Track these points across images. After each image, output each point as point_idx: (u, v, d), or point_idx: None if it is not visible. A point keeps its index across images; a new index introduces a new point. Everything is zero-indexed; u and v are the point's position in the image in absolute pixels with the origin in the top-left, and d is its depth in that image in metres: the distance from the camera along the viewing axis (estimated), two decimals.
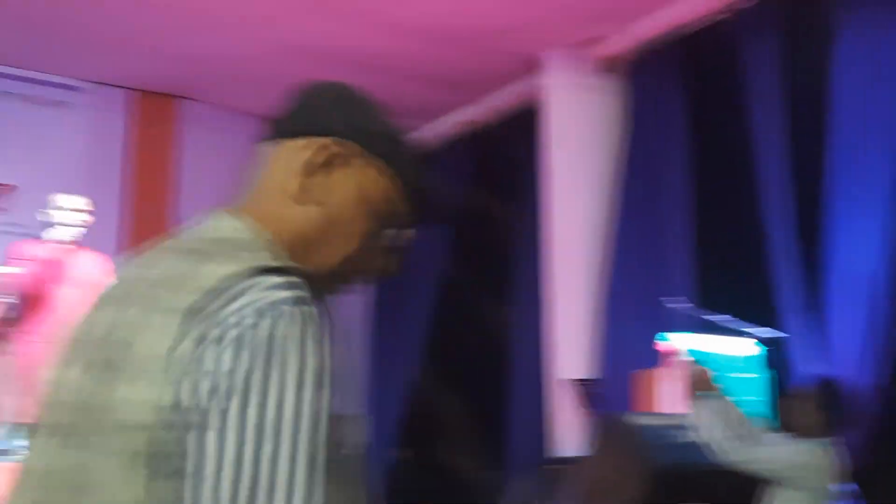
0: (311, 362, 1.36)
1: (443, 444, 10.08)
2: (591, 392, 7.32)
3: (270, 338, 1.35)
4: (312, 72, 8.23)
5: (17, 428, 5.86)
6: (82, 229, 5.61)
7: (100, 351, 1.47)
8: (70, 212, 5.58)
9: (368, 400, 10.40)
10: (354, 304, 10.47)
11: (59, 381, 1.53)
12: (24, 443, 5.86)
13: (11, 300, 5.32)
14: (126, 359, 1.41)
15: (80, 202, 5.66)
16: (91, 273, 5.66)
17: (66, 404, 1.48)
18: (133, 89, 9.52)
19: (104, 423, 1.40)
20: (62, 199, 5.65)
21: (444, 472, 9.77)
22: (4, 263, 5.53)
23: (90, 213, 5.63)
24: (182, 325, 1.38)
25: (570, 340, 7.78)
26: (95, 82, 9.36)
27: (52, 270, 5.47)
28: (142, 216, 9.35)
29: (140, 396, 1.37)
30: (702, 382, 4.83)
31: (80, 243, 5.68)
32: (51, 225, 5.58)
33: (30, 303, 5.55)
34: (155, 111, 9.60)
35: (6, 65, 8.92)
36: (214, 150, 9.81)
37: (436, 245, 9.55)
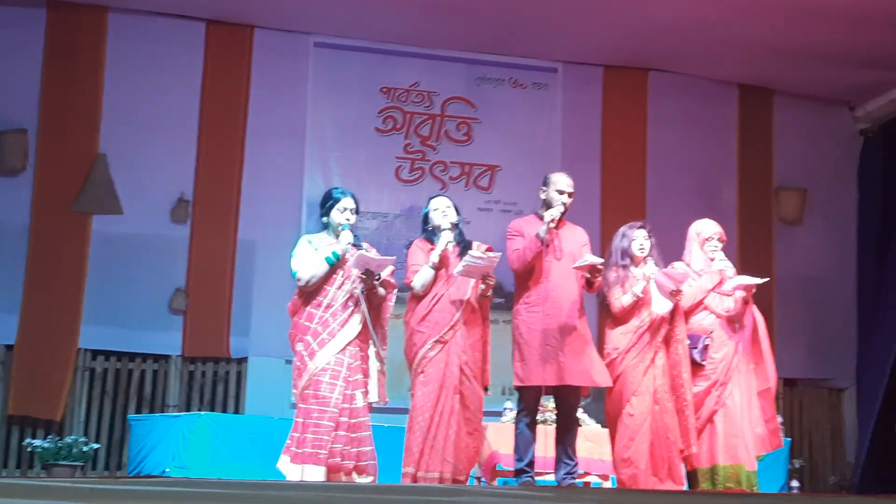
0: None
1: None
2: None
3: None
4: (780, 30, 7.87)
5: (510, 392, 6.29)
6: (566, 206, 5.87)
7: None
8: (561, 190, 5.84)
9: (860, 369, 9.84)
10: (832, 260, 9.96)
11: None
12: (510, 405, 6.28)
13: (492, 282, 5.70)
14: None
15: (568, 181, 5.90)
16: (572, 245, 5.90)
17: None
18: (605, 66, 9.77)
19: None
20: (557, 178, 5.93)
21: None
22: (507, 238, 5.93)
23: (571, 192, 5.88)
24: None
25: None
26: (570, 62, 9.76)
27: (543, 245, 5.78)
28: (618, 188, 9.60)
29: None
30: None
31: (564, 217, 5.96)
32: (546, 200, 5.87)
33: (523, 275, 5.92)
34: (627, 85, 9.79)
35: (493, 52, 9.57)
36: (683, 119, 9.82)
37: None
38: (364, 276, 5.48)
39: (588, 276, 5.81)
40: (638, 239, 6.11)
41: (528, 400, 5.85)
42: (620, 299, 5.99)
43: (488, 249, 5.92)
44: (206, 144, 8.90)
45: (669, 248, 6.40)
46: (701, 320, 6.16)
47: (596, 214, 9.36)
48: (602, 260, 5.83)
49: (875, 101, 9.81)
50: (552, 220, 5.81)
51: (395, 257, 5.74)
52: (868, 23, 8.21)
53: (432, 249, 5.81)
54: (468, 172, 9.51)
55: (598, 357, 5.89)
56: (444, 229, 5.80)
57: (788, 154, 10.00)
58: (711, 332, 6.12)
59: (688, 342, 6.05)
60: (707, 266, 6.25)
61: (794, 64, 9.21)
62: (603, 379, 5.85)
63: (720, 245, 6.31)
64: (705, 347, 6.08)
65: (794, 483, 8.83)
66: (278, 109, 9.12)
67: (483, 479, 6.96)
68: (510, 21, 8.87)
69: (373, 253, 5.64)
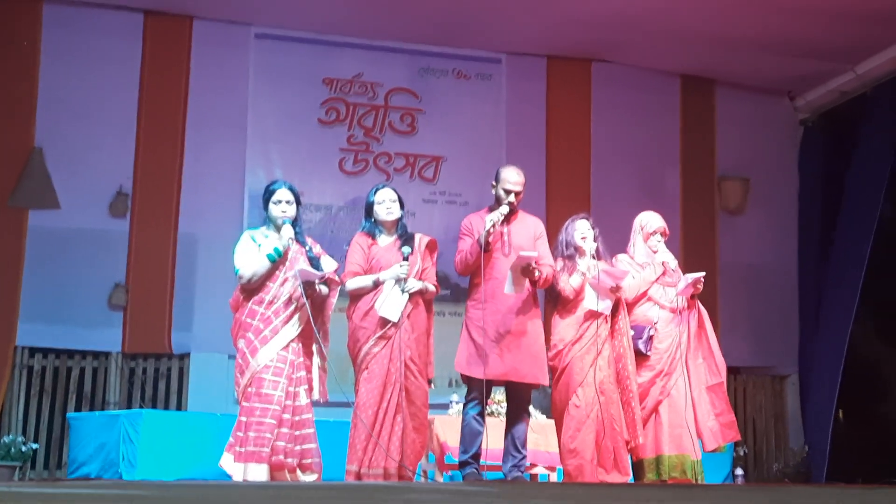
0: None
1: (887, 401, 9.42)
2: None
3: None
4: (721, 20, 7.91)
5: (457, 384, 6.26)
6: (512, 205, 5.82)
7: None
8: (507, 189, 5.78)
9: (802, 356, 9.97)
10: (774, 249, 10.06)
11: None
12: (456, 398, 6.23)
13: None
14: None
15: (516, 178, 5.84)
16: (522, 239, 5.85)
17: None
18: (549, 56, 9.77)
19: None
20: (506, 175, 5.86)
21: (889, 430, 9.11)
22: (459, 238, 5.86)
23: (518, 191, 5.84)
24: None
25: None
26: (514, 53, 9.74)
27: (496, 239, 5.74)
28: (563, 177, 9.61)
29: None
30: None
31: (518, 207, 5.91)
32: (496, 196, 5.81)
33: (470, 273, 5.87)
34: (570, 75, 9.79)
35: (437, 43, 9.52)
36: (626, 109, 9.84)
37: (874, 182, 8.95)
38: (306, 289, 5.40)
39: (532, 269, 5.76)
40: (580, 229, 6.13)
41: (477, 390, 5.76)
42: (569, 282, 6.00)
43: (431, 241, 5.90)
44: (145, 137, 8.73)
45: (613, 237, 6.42)
46: (645, 311, 6.20)
47: (542, 204, 9.35)
48: (536, 255, 5.77)
49: (815, 90, 9.93)
50: (493, 225, 5.74)
51: (337, 266, 5.72)
52: (807, 13, 8.29)
53: (373, 245, 5.76)
54: (412, 164, 9.45)
55: (543, 354, 5.88)
56: (403, 258, 5.65)
57: (730, 144, 10.08)
58: (656, 323, 6.16)
59: (632, 333, 6.08)
60: (650, 258, 6.28)
61: (734, 54, 9.28)
62: (544, 377, 5.85)
63: (663, 239, 6.36)
64: (650, 338, 6.11)
65: (739, 471, 8.93)
66: (219, 101, 8.98)
67: (430, 472, 6.92)
68: (453, 12, 8.81)
69: (317, 248, 5.60)
